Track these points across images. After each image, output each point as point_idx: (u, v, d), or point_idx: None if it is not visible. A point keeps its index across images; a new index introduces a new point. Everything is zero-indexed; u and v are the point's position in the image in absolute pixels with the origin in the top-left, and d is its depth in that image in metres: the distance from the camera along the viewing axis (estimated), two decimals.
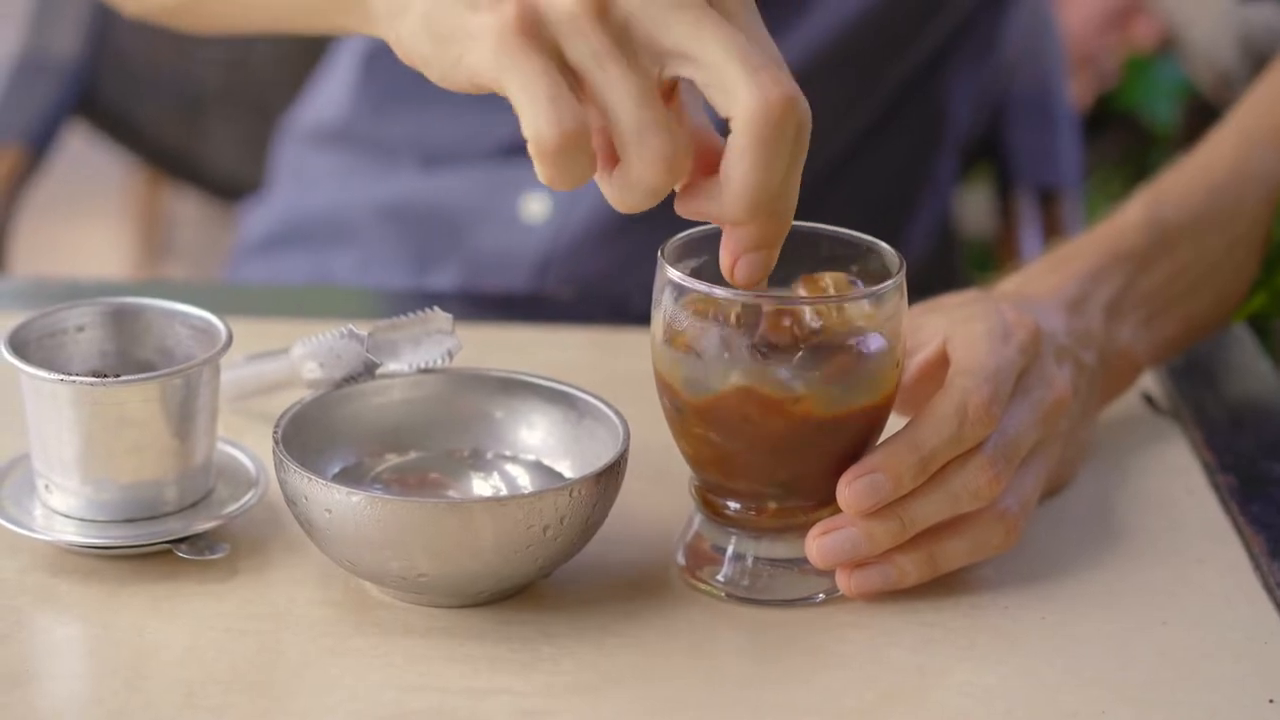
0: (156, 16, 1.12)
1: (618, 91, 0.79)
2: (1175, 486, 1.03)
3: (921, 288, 1.03)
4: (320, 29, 0.98)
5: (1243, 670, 0.87)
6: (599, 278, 1.36)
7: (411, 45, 0.85)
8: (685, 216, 0.84)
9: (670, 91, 0.83)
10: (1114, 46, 2.48)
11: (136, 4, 1.12)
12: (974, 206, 2.20)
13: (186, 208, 3.23)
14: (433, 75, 0.84)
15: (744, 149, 0.79)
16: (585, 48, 0.79)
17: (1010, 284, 1.04)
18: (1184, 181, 1.10)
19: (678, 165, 0.79)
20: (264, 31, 1.04)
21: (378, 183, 1.44)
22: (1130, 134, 2.56)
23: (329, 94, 1.51)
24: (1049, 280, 1.03)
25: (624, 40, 0.80)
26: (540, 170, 0.80)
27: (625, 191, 0.80)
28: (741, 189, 0.80)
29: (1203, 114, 2.27)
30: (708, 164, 0.82)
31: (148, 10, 1.11)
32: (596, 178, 0.82)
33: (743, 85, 0.78)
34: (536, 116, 0.79)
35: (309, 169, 1.50)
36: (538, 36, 0.80)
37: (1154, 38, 2.49)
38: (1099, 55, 2.46)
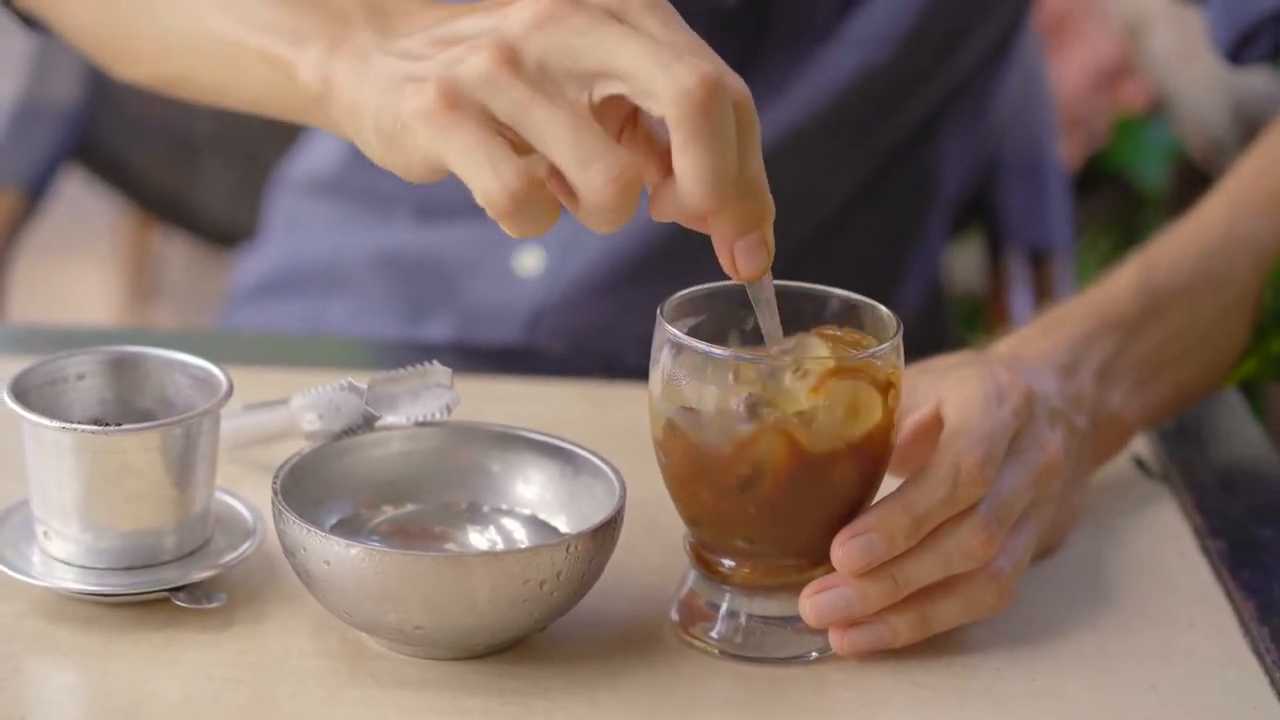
0: (145, 85, 1.13)
1: (549, 131, 0.81)
2: (1166, 550, 1.03)
3: (912, 346, 1.03)
4: (293, 121, 1.00)
5: None
6: (591, 331, 1.37)
7: (374, 153, 0.88)
8: (660, 220, 0.85)
9: (619, 112, 0.84)
10: (1104, 107, 2.50)
11: (124, 72, 1.13)
12: (964, 265, 2.21)
13: (175, 251, 3.23)
14: (401, 175, 0.87)
15: (682, 141, 0.80)
16: (507, 100, 0.81)
17: (1003, 346, 1.04)
18: (1176, 247, 1.11)
19: (628, 181, 0.80)
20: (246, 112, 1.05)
21: (372, 233, 1.45)
22: (1119, 195, 2.57)
23: (324, 143, 1.51)
24: (1041, 344, 1.03)
25: (544, 80, 0.82)
26: (504, 227, 0.82)
27: (591, 219, 0.82)
28: (694, 179, 0.81)
29: (1192, 176, 2.28)
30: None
31: (134, 78, 1.13)
32: (569, 210, 0.83)
33: (660, 81, 0.80)
34: (481, 182, 0.81)
35: (304, 218, 1.51)
36: (461, 105, 0.82)
37: (1144, 99, 2.50)
38: (1089, 116, 2.48)
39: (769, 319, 0.87)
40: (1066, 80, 2.43)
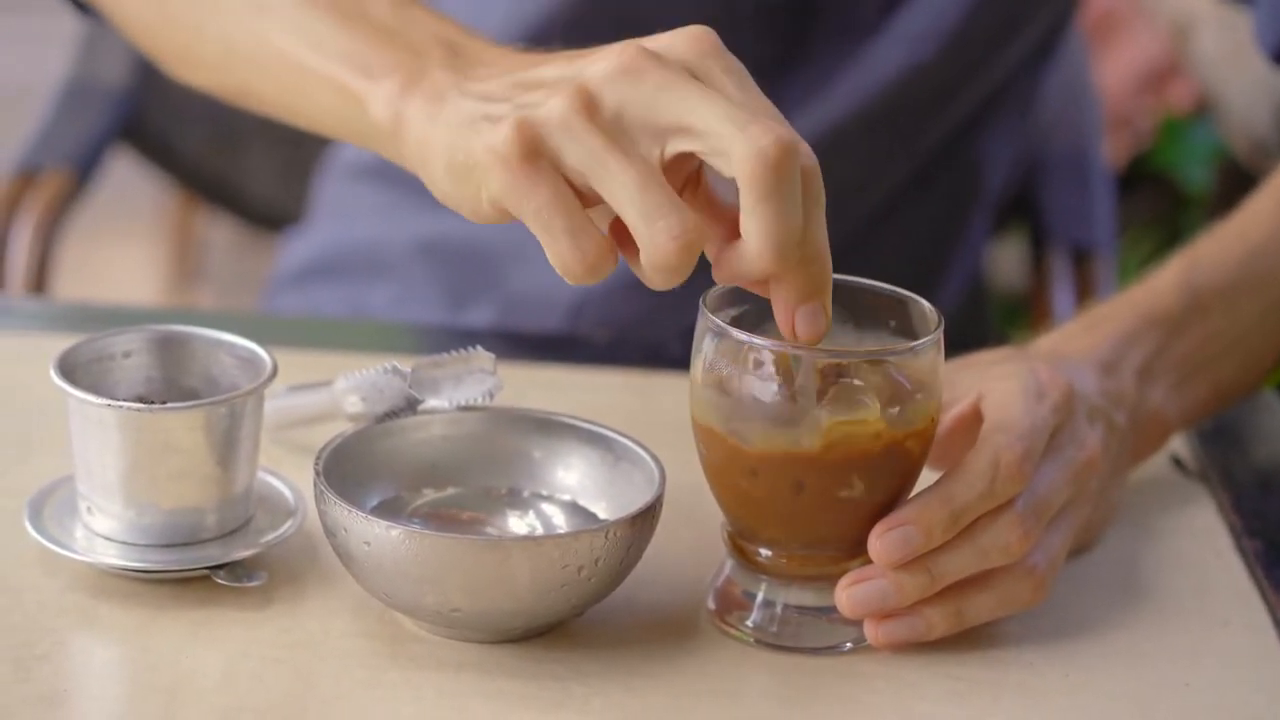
0: (207, 91, 1.13)
1: (619, 183, 0.82)
2: (1202, 549, 1.03)
3: (953, 343, 1.04)
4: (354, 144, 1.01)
5: None
6: (632, 321, 1.37)
7: (443, 190, 0.89)
8: (724, 284, 0.86)
9: (684, 170, 0.86)
10: (1150, 108, 2.50)
11: (185, 76, 1.13)
12: (1006, 263, 2.21)
13: (219, 233, 3.25)
14: (468, 215, 0.88)
15: (752, 203, 0.81)
16: (582, 150, 0.82)
17: (1045, 343, 1.05)
18: (1220, 247, 1.11)
19: (691, 242, 0.82)
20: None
21: (417, 219, 1.46)
22: (1163, 195, 2.57)
23: None
24: (1083, 341, 1.04)
25: (618, 132, 0.83)
26: (568, 281, 0.84)
27: (649, 275, 0.83)
28: (761, 241, 0.82)
29: (1237, 177, 2.28)
30: (736, 231, 0.84)
31: (196, 83, 1.13)
32: (627, 262, 0.84)
33: (735, 141, 0.81)
34: (560, 253, 0.83)
35: (350, 203, 1.52)
36: (539, 155, 0.83)
37: (1190, 100, 2.50)
38: (1135, 116, 2.48)
39: (803, 375, 0.87)
40: (1112, 80, 2.43)
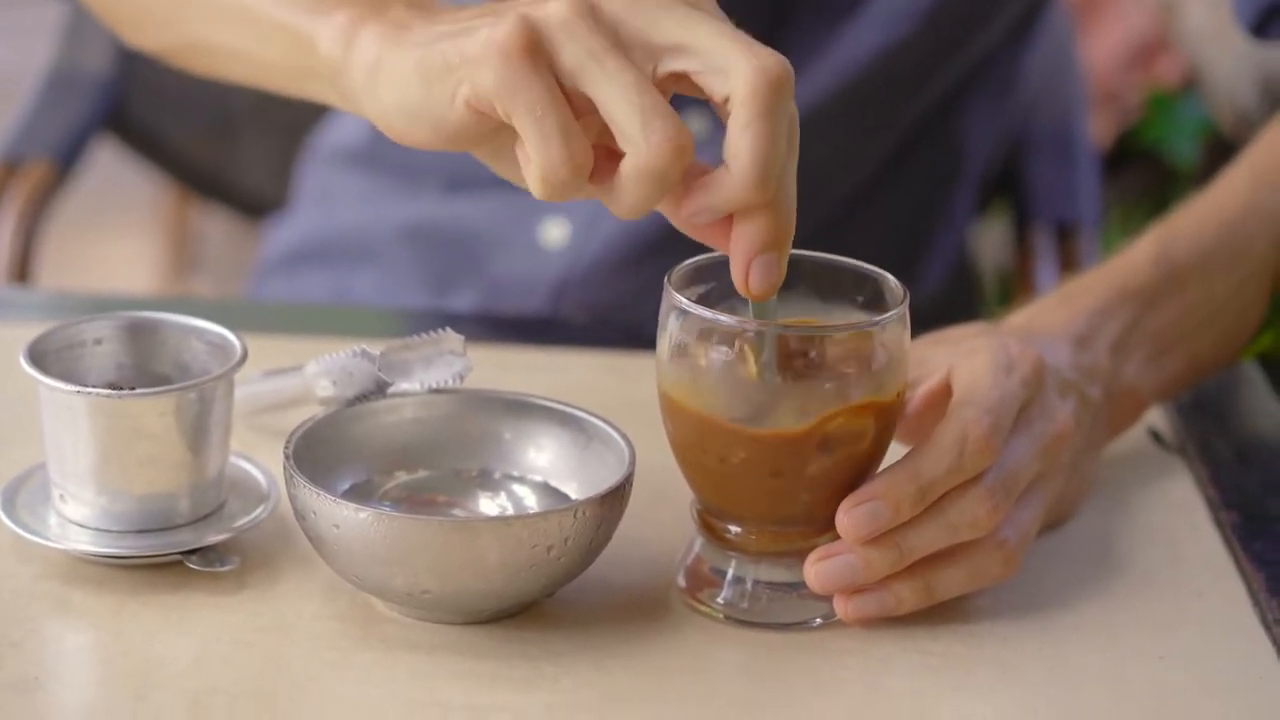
0: (160, 54, 1.14)
1: (618, 84, 0.82)
2: (1178, 522, 1.03)
3: (940, 321, 1.04)
4: (303, 96, 1.00)
5: (1237, 705, 0.88)
6: (614, 304, 1.37)
7: (398, 107, 0.87)
8: (691, 219, 0.85)
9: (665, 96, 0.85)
10: (1137, 83, 2.49)
11: (136, 38, 1.14)
12: (992, 240, 2.21)
13: (215, 224, 3.25)
14: (422, 133, 0.87)
15: (748, 120, 0.81)
16: (581, 50, 0.82)
17: (1018, 318, 1.05)
18: (1195, 220, 1.11)
19: (682, 145, 0.81)
20: (254, 86, 1.06)
21: (400, 205, 1.46)
22: (1152, 171, 2.56)
23: (355, 116, 1.52)
24: (1057, 315, 1.04)
25: (616, 40, 0.83)
26: (538, 191, 0.83)
27: (634, 184, 0.82)
28: (748, 161, 0.82)
29: (1224, 152, 2.27)
30: (694, 174, 0.84)
31: (146, 45, 1.14)
32: (598, 191, 0.83)
33: (740, 59, 0.81)
34: (550, 153, 0.82)
35: (333, 189, 1.52)
36: (538, 53, 0.83)
37: (1177, 75, 2.50)
38: (1122, 92, 2.47)
39: (767, 351, 0.87)
40: (1099, 56, 2.43)
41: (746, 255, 0.85)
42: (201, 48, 1.06)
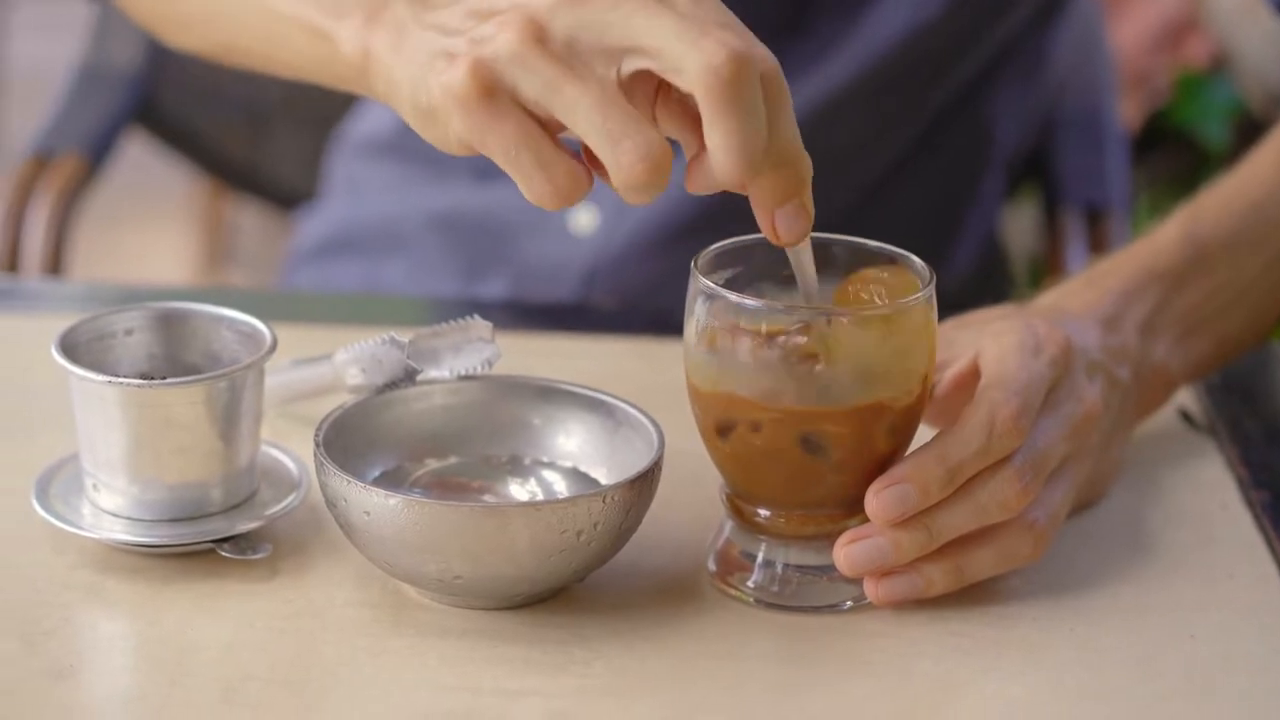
0: (197, 54, 1.15)
1: (578, 110, 0.82)
2: (1209, 502, 1.03)
3: (969, 304, 1.04)
4: (342, 90, 1.01)
5: (1268, 683, 0.88)
6: (644, 289, 1.38)
7: (414, 125, 0.88)
8: (697, 193, 0.85)
9: (649, 83, 0.85)
10: (1166, 65, 2.48)
11: (178, 40, 1.15)
12: (1021, 224, 2.21)
13: (249, 215, 3.26)
14: (441, 148, 0.87)
15: (711, 117, 0.81)
16: (537, 80, 0.82)
17: (1046, 300, 1.05)
18: (1222, 200, 1.11)
19: (657, 160, 0.81)
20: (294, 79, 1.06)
21: (430, 193, 1.46)
22: (1182, 153, 2.56)
23: (383, 107, 1.52)
24: (1084, 296, 1.04)
25: (572, 58, 0.82)
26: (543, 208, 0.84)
27: (623, 194, 0.83)
28: (725, 154, 0.81)
29: (1255, 133, 2.27)
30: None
31: (184, 45, 1.15)
32: (604, 181, 0.84)
33: (686, 58, 0.81)
34: (531, 187, 0.84)
35: (363, 179, 1.52)
36: (496, 92, 0.83)
37: (1206, 57, 2.49)
38: (1151, 74, 2.46)
39: (808, 280, 0.88)
40: (1128, 38, 2.42)
41: (766, 212, 0.85)
42: (237, 49, 1.07)
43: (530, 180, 0.83)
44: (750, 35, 0.82)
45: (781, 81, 0.82)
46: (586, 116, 0.81)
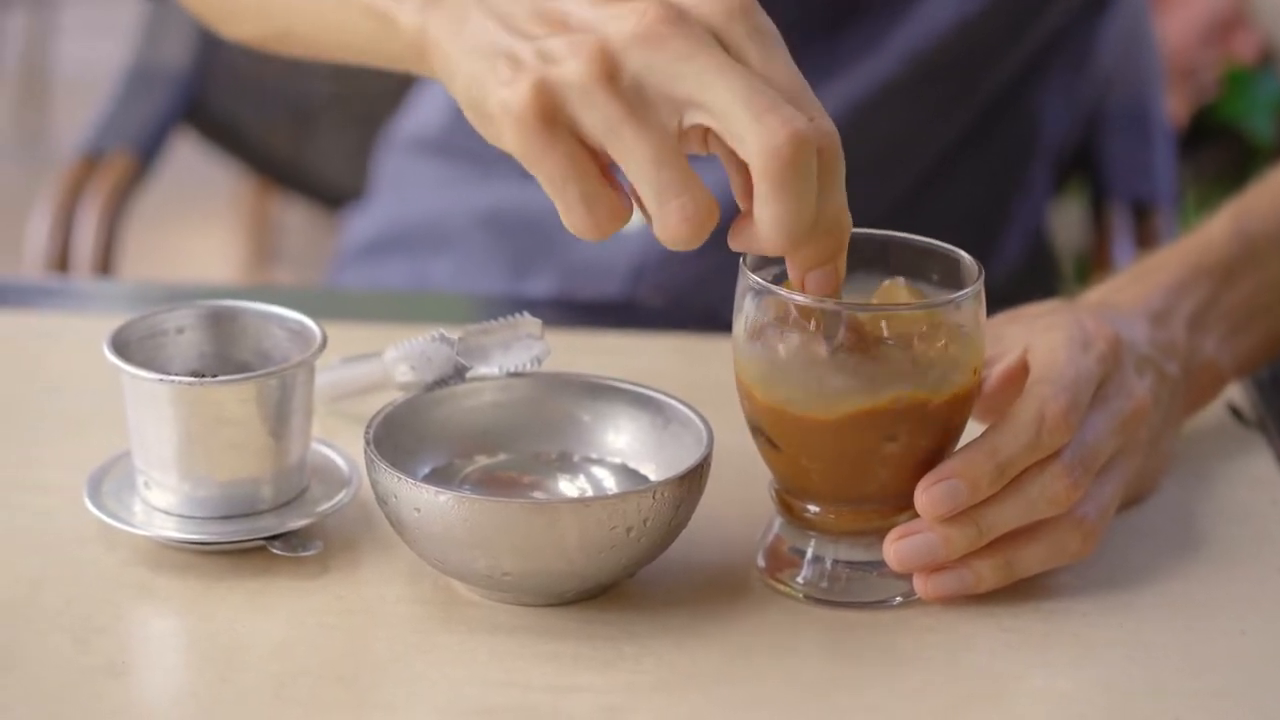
0: (252, 43, 1.15)
1: (634, 157, 0.82)
2: (1259, 498, 1.03)
3: (1017, 299, 1.04)
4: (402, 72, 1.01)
5: None
6: (690, 286, 1.38)
7: (467, 115, 0.88)
8: (737, 250, 0.86)
9: (705, 134, 0.85)
10: (1213, 60, 2.48)
11: (233, 31, 1.16)
12: (1069, 219, 2.20)
13: (295, 214, 3.27)
14: (491, 143, 0.87)
15: (763, 193, 0.81)
16: (598, 117, 0.82)
17: (1094, 295, 1.04)
18: (1271, 195, 1.10)
19: (701, 222, 0.82)
20: (353, 65, 1.06)
21: (476, 191, 1.47)
22: (1229, 148, 2.55)
23: (431, 105, 1.53)
24: (1133, 291, 1.04)
25: (638, 100, 0.82)
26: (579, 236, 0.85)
27: (661, 241, 0.84)
28: (770, 229, 0.82)
29: None
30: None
31: (240, 36, 1.15)
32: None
33: (749, 131, 0.80)
34: (571, 217, 0.84)
35: (410, 178, 1.53)
36: (555, 118, 0.82)
37: (1254, 51, 2.48)
38: (1198, 68, 2.46)
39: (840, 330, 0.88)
40: (1175, 32, 2.41)
41: (799, 273, 0.86)
42: (294, 35, 1.07)
43: (572, 212, 0.84)
44: (814, 105, 0.82)
45: (837, 152, 0.82)
46: (640, 167, 0.82)
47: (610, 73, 0.82)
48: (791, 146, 0.80)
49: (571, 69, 0.82)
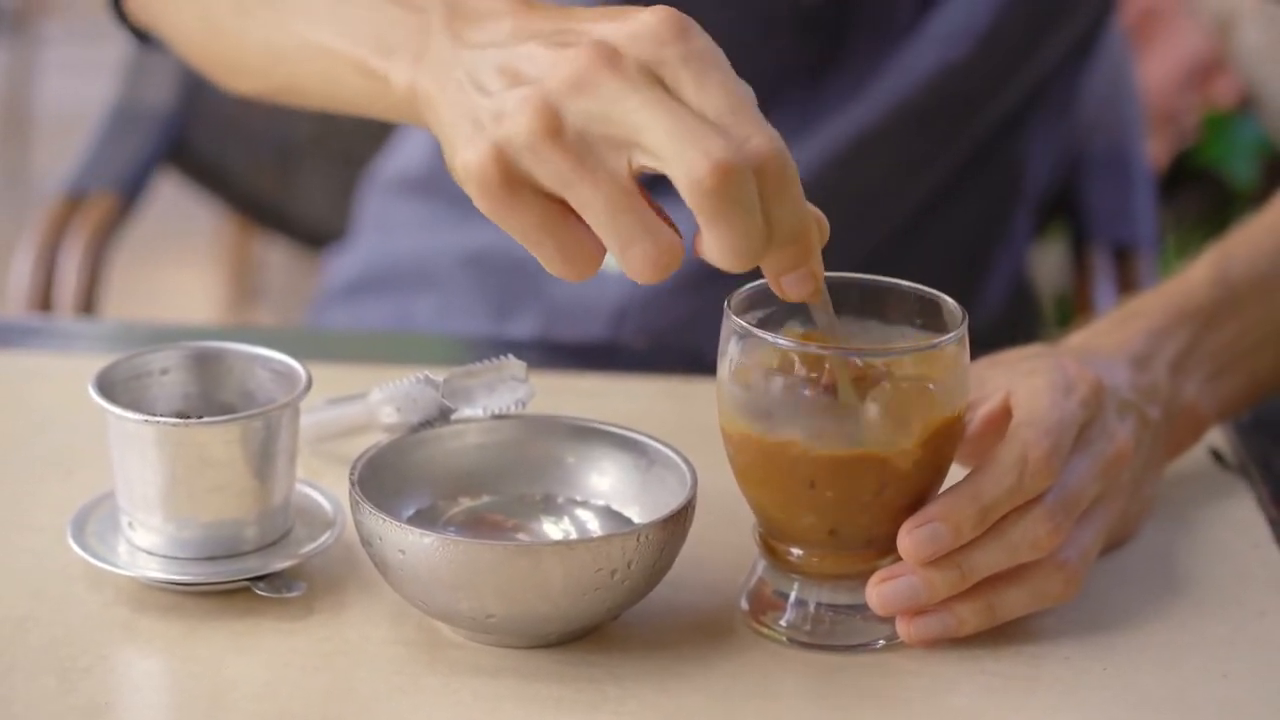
0: (251, 96, 1.16)
1: (591, 208, 0.82)
2: (1240, 541, 1.03)
3: (999, 343, 1.04)
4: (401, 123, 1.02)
5: None
6: (674, 328, 1.38)
7: (449, 170, 0.88)
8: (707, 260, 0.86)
9: None
10: (1194, 105, 2.49)
11: (235, 85, 1.16)
12: (1050, 262, 2.21)
13: (276, 254, 3.27)
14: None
15: (702, 223, 0.81)
16: (550, 171, 0.82)
17: (1076, 339, 1.05)
18: (1252, 239, 1.11)
19: (665, 264, 0.82)
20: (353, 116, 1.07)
21: (459, 232, 1.47)
22: (1209, 192, 2.56)
23: (413, 145, 1.53)
24: (1115, 336, 1.04)
25: (584, 150, 0.82)
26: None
27: (634, 280, 0.84)
28: (719, 255, 0.82)
29: None
30: None
31: (244, 90, 1.16)
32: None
33: (677, 166, 0.80)
34: (549, 264, 0.85)
35: (392, 217, 1.53)
36: (513, 178, 0.83)
37: (1234, 96, 2.49)
38: (1179, 113, 2.47)
39: (823, 317, 0.88)
40: (1155, 77, 2.42)
41: (773, 277, 0.85)
42: (293, 90, 1.07)
43: (550, 260, 0.84)
44: (753, 123, 0.81)
45: (780, 166, 0.81)
46: (597, 216, 0.82)
47: (553, 127, 0.82)
48: (714, 178, 0.80)
49: (518, 126, 0.82)
